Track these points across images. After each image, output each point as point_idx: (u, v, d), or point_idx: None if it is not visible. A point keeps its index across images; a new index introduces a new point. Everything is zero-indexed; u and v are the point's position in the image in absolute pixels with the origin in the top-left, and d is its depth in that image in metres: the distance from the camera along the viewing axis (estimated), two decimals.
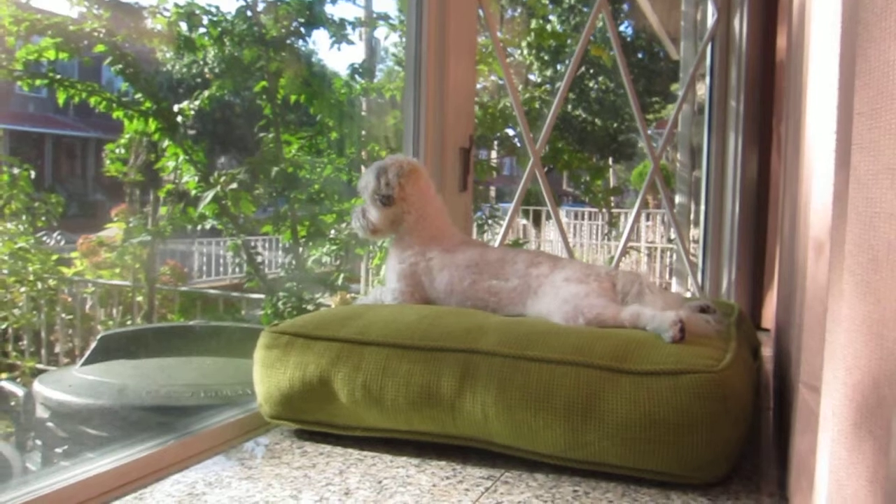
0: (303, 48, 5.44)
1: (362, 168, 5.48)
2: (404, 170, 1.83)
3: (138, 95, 5.06)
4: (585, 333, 1.46)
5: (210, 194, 4.98)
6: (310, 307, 4.99)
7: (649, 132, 3.71)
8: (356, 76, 5.47)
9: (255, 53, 5.24)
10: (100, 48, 4.85)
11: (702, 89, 4.09)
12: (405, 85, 2.34)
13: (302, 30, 5.31)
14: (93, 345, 3.08)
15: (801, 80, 1.44)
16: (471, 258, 1.78)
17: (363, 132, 5.66)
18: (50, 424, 2.50)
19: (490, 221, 6.00)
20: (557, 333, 1.47)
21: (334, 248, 5.41)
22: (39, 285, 5.16)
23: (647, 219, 11.35)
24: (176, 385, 2.52)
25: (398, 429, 1.52)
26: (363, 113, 5.76)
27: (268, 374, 1.58)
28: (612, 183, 13.80)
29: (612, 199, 8.58)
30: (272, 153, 5.41)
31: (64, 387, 2.57)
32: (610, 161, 16.02)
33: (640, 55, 16.40)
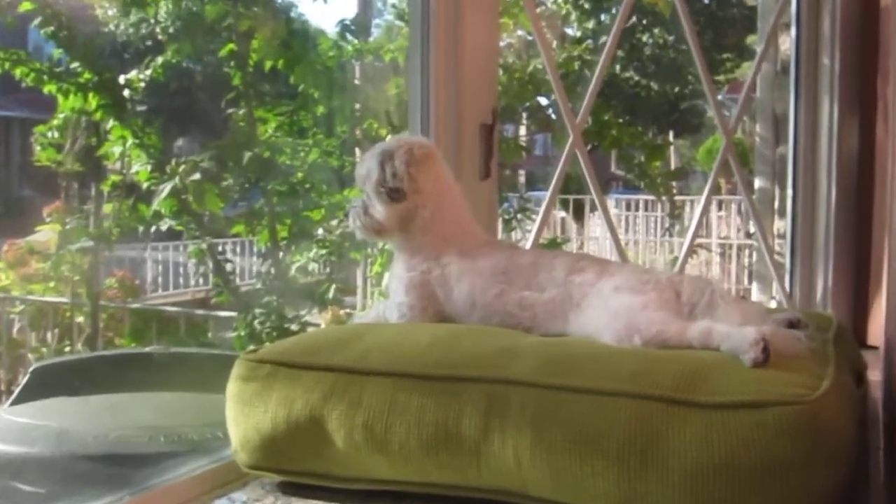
0: (280, 1, 5.48)
1: (357, 151, 5.51)
2: (415, 156, 1.84)
3: (75, 65, 5.10)
4: (643, 357, 1.46)
5: (167, 187, 5.02)
6: (294, 327, 5.01)
7: (720, 98, 3.70)
8: (347, 35, 5.49)
9: (221, 9, 5.28)
10: (26, 6, 4.89)
11: (786, 43, 4.07)
12: (410, 45, 2.35)
13: None
14: (24, 379, 3.11)
15: None
16: (497, 264, 1.79)
17: (357, 106, 5.68)
18: None
19: (520, 216, 6.01)
20: (608, 357, 1.47)
21: (323, 252, 5.44)
22: None
23: (720, 208, 11.30)
24: (129, 428, 2.54)
25: (409, 480, 1.52)
26: (357, 81, 5.78)
27: (244, 414, 1.60)
28: (673, 163, 13.76)
29: (673, 184, 8.55)
30: (243, 134, 5.45)
31: None
32: (670, 136, 15.98)
33: (705, 0, 16.36)
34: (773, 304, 3.78)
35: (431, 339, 1.60)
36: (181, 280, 7.45)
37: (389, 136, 1.96)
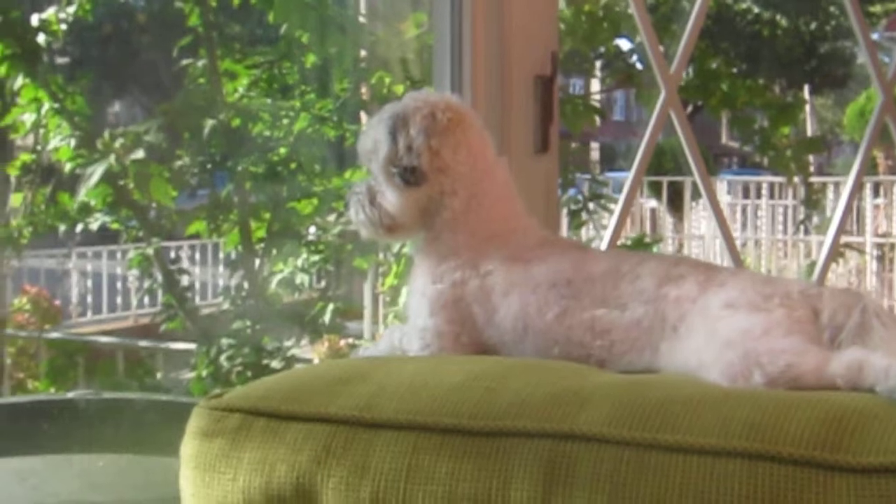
0: None
1: (363, 117, 5.52)
2: (439, 121, 1.84)
3: None
4: (766, 401, 1.46)
5: (98, 170, 5.05)
6: (276, 364, 5.03)
7: (875, 37, 3.68)
8: None
9: None
10: None
11: None
12: None
13: None
14: None
15: None
16: (559, 272, 1.79)
17: (363, 53, 5.69)
18: None
19: (592, 205, 6.00)
20: (716, 402, 1.47)
21: (316, 258, 5.46)
22: None
23: (876, 193, 11.24)
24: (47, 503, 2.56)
25: None
26: (362, 19, 5.79)
27: (206, 483, 1.61)
28: (810, 130, 13.69)
29: (811, 159, 8.50)
30: (204, 95, 5.47)
31: None
32: (805, 92, 15.89)
33: None
34: None
35: (466, 378, 1.60)
36: (119, 300, 7.50)
37: (406, 95, 1.95)
